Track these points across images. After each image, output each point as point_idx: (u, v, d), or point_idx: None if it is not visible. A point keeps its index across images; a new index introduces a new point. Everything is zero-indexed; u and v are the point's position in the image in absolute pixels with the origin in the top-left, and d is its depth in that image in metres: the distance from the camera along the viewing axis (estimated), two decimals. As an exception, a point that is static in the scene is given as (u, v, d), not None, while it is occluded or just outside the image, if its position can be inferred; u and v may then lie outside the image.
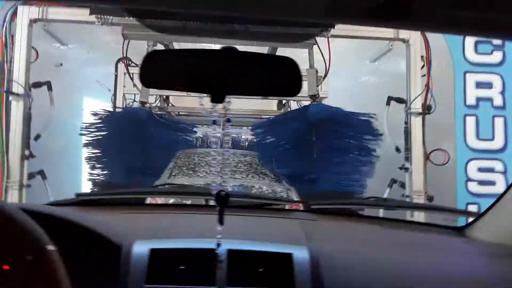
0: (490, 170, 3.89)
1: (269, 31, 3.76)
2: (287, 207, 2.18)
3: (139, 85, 5.35)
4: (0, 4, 4.04)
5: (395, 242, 1.50)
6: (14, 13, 3.98)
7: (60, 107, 4.69)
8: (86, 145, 4.84)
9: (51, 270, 0.80)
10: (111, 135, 4.73)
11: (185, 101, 6.30)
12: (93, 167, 4.87)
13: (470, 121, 4.07)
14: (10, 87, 3.92)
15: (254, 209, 1.79)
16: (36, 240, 0.82)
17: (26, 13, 4.02)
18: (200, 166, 4.47)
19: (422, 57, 4.10)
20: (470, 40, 4.06)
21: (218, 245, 1.07)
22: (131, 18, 3.86)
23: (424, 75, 4.05)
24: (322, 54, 4.38)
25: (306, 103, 4.76)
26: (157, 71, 0.98)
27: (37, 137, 4.02)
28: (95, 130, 4.80)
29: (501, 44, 3.96)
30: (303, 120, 4.44)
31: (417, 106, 4.10)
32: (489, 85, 3.98)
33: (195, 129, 5.44)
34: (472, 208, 3.80)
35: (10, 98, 3.92)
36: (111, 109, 5.21)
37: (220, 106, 0.99)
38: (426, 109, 4.06)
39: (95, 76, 7.05)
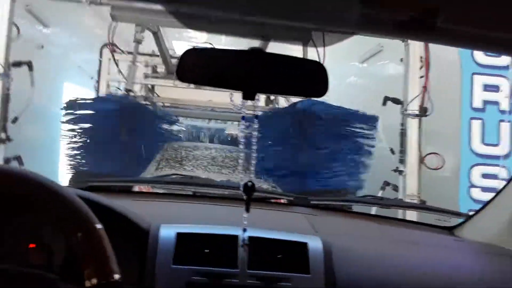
0: (494, 176, 3.79)
1: (262, 21, 3.62)
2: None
3: (125, 72, 5.18)
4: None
5: (393, 238, 1.61)
6: (-5, -13, 3.72)
7: (40, 91, 4.47)
8: (66, 132, 4.62)
9: (101, 246, 0.86)
10: (94, 122, 4.51)
11: (170, 92, 6.11)
12: (72, 156, 4.65)
13: (476, 125, 3.94)
14: (-12, 65, 3.65)
15: (258, 202, 1.83)
16: (87, 218, 0.88)
17: (8, -13, 3.76)
18: (188, 160, 4.37)
19: (421, 57, 4.00)
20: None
21: (244, 230, 1.16)
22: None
23: (423, 76, 3.95)
24: (317, 50, 4.25)
25: (295, 100, 4.64)
26: (193, 67, 1.03)
27: (15, 120, 3.76)
28: (77, 117, 4.56)
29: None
30: (293, 116, 4.32)
31: (414, 108, 4.00)
32: (496, 88, 3.87)
33: (179, 121, 5.31)
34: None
35: (-13, 77, 3.65)
36: (95, 96, 4.94)
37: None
38: (423, 111, 3.96)
39: (78, 61, 6.81)
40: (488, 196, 3.82)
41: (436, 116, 3.91)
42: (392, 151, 4.13)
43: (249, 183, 1.12)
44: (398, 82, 4.31)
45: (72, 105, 4.54)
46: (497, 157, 3.82)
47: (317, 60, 4.30)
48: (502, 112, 3.83)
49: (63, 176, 4.77)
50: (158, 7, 3.58)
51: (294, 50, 4.50)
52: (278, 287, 1.18)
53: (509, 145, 3.84)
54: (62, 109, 4.58)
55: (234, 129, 5.50)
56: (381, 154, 4.29)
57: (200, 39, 6.57)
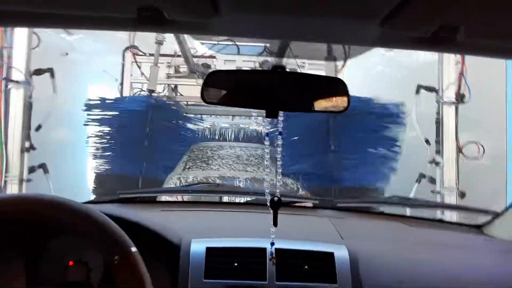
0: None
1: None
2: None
3: (147, 73, 5.13)
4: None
5: (421, 240, 1.59)
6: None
7: (64, 97, 4.46)
8: (92, 134, 4.61)
9: (137, 269, 0.90)
10: (118, 122, 4.49)
11: (194, 91, 6.03)
12: (98, 157, 4.64)
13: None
14: (10, 74, 3.62)
15: (283, 206, 1.76)
16: (123, 242, 0.93)
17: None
18: (213, 159, 4.43)
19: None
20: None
21: (272, 244, 1.18)
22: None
23: (459, 62, 3.70)
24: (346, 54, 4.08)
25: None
26: (217, 88, 1.05)
27: (38, 127, 3.73)
28: (101, 118, 4.54)
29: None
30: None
31: (450, 95, 3.75)
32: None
33: (203, 118, 5.25)
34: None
35: (10, 86, 3.62)
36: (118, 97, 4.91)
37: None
38: (460, 98, 3.71)
39: (102, 65, 6.84)
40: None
41: (474, 103, 3.66)
42: (428, 142, 3.89)
43: (276, 198, 1.14)
44: (429, 70, 4.06)
45: (94, 104, 4.53)
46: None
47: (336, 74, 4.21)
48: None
49: (91, 180, 4.75)
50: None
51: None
52: None
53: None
54: (84, 109, 4.56)
55: (258, 124, 5.39)
56: (415, 145, 4.06)
57: (222, 37, 6.48)
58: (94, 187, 4.60)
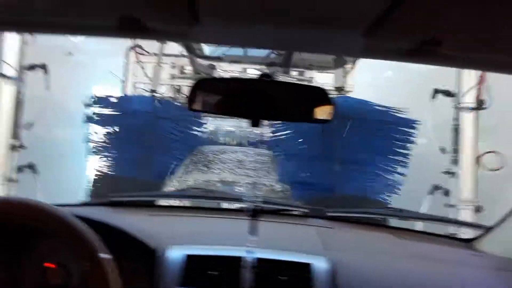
0: None
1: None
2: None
3: (150, 73, 4.96)
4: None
5: (408, 253, 1.58)
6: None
7: (66, 96, 4.33)
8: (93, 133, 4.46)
9: (106, 276, 0.91)
10: (120, 123, 4.33)
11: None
12: (100, 157, 4.48)
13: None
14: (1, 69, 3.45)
15: (271, 214, 1.84)
16: (94, 248, 0.95)
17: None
18: (215, 163, 4.36)
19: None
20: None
21: (249, 253, 1.18)
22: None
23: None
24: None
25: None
26: (203, 96, 1.07)
27: (29, 125, 3.54)
28: (105, 117, 4.38)
29: None
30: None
31: (469, 100, 3.47)
32: None
33: (208, 120, 5.07)
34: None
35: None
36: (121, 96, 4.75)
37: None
38: (479, 104, 3.43)
39: (107, 66, 6.74)
40: None
41: (495, 110, 3.37)
42: (443, 150, 3.61)
43: (258, 207, 1.17)
44: (441, 75, 3.79)
45: (99, 102, 4.37)
46: None
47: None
48: None
49: (85, 181, 4.58)
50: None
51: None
52: None
53: None
54: (86, 106, 4.40)
55: (262, 129, 5.21)
56: (429, 154, 3.78)
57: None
58: (93, 188, 4.43)
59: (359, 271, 1.32)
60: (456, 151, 3.51)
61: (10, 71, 3.46)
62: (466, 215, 3.34)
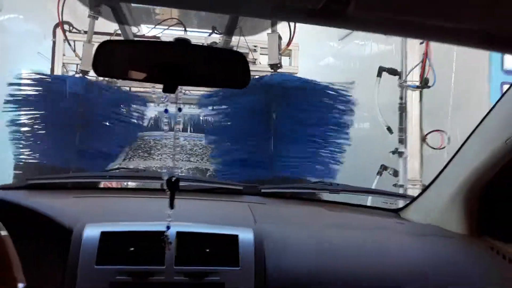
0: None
1: None
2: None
3: (81, 53, 4.54)
4: None
5: (335, 222, 1.64)
6: None
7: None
8: (12, 121, 3.99)
9: (3, 255, 0.85)
10: (42, 107, 3.89)
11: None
12: (20, 147, 4.02)
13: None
14: None
15: (206, 192, 1.83)
16: None
17: None
18: (156, 149, 4.19)
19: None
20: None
21: (168, 227, 1.15)
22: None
23: (423, 42, 3.39)
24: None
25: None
26: (111, 60, 0.99)
27: None
28: (22, 101, 3.93)
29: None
30: (257, 93, 3.64)
31: (413, 79, 3.43)
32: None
33: (150, 106, 4.73)
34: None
35: None
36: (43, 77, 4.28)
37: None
38: (424, 82, 3.40)
39: (37, 47, 6.22)
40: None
41: (441, 88, 3.35)
42: (390, 130, 3.56)
43: (173, 178, 1.09)
44: (383, 60, 3.74)
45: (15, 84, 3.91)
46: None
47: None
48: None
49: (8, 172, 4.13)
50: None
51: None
52: (206, 281, 1.17)
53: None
54: (9, 85, 3.93)
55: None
56: (377, 134, 3.72)
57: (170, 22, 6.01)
58: (14, 175, 3.99)
59: (287, 242, 1.33)
60: (402, 130, 3.48)
61: None
62: (414, 193, 3.31)
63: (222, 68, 1.03)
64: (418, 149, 3.42)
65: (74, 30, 4.75)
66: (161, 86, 1.00)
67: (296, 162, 3.65)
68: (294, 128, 3.66)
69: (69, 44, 4.48)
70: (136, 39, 4.65)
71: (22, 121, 3.99)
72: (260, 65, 4.60)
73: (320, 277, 1.26)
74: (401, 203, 1.98)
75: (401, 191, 3.44)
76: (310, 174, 3.57)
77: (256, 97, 3.63)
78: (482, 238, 1.51)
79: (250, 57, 5.00)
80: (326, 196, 2.12)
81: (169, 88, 0.99)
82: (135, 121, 4.48)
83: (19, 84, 4.00)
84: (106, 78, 5.20)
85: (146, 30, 5.74)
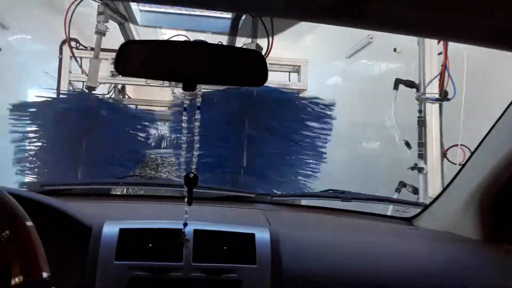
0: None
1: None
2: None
3: (87, 69, 4.46)
4: None
5: (348, 227, 1.66)
6: None
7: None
8: (16, 141, 3.90)
9: (28, 243, 0.87)
10: (47, 127, 3.81)
11: (144, 92, 5.40)
12: (25, 170, 3.91)
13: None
14: None
15: (217, 200, 1.84)
16: (15, 216, 0.90)
17: None
18: (163, 166, 4.19)
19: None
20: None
21: (185, 224, 1.18)
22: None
23: (441, 53, 3.25)
24: (264, 26, 3.57)
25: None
26: (132, 60, 1.02)
27: None
28: (27, 121, 3.85)
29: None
30: (234, 102, 3.59)
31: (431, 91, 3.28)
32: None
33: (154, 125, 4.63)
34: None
35: None
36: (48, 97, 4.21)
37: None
38: (443, 95, 3.25)
39: (44, 66, 6.18)
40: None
41: (461, 100, 3.19)
42: (408, 145, 3.39)
43: (191, 175, 1.10)
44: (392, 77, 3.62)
45: (18, 108, 3.85)
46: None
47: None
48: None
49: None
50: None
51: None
52: (224, 278, 1.18)
53: None
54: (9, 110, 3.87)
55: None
56: (395, 149, 3.56)
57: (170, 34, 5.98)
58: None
59: (301, 241, 1.34)
60: (421, 144, 3.31)
61: None
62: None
63: (239, 66, 1.04)
64: (439, 165, 3.24)
65: (80, 47, 4.68)
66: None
67: (262, 171, 3.57)
68: (264, 136, 3.60)
69: (76, 60, 4.40)
70: (155, 39, 4.57)
71: (31, 138, 3.91)
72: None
73: (336, 278, 1.25)
74: (413, 212, 1.97)
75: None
76: (272, 186, 3.51)
77: (230, 105, 3.59)
78: (498, 244, 1.50)
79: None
80: (337, 204, 2.10)
81: (189, 87, 1.01)
82: (142, 139, 4.39)
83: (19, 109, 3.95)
84: (112, 96, 5.17)
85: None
